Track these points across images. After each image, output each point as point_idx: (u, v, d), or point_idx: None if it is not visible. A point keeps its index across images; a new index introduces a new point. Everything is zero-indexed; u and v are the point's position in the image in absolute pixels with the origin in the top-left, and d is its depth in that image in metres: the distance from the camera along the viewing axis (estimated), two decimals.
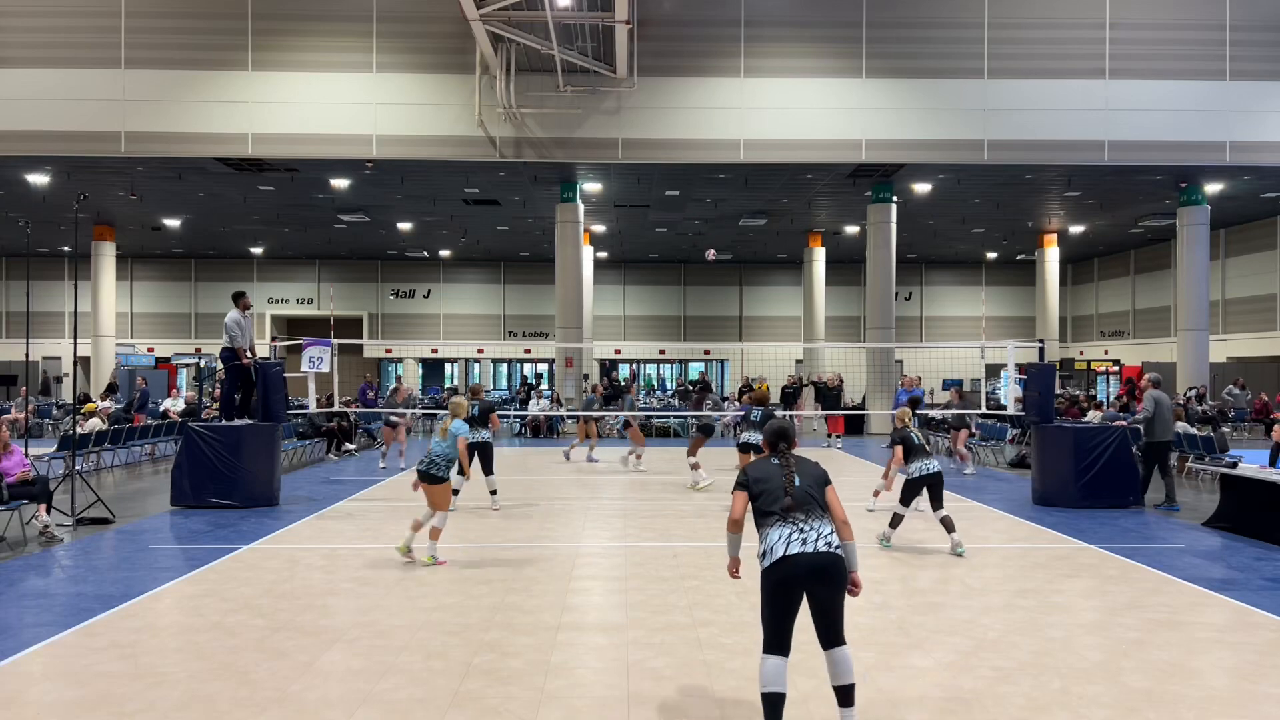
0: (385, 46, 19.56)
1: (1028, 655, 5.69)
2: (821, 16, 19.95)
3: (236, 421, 11.87)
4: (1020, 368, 15.57)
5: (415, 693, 5.03)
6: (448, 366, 41.37)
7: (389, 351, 40.17)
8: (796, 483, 4.37)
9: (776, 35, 19.93)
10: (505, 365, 41.33)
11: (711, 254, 19.21)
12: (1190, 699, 4.98)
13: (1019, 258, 38.23)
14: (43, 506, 9.35)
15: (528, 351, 39.33)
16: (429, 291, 40.03)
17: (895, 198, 23.34)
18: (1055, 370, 13.22)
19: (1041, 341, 13.74)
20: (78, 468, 11.03)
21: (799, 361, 34.49)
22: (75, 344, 11.44)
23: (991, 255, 38.13)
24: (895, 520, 8.95)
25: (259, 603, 6.85)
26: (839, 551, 4.22)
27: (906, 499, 8.87)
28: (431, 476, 8.15)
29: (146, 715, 4.69)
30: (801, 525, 4.23)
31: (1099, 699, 4.97)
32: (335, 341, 15.76)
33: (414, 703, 4.88)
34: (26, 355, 11.77)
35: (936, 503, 8.82)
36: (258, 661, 5.51)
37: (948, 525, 8.69)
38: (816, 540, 4.18)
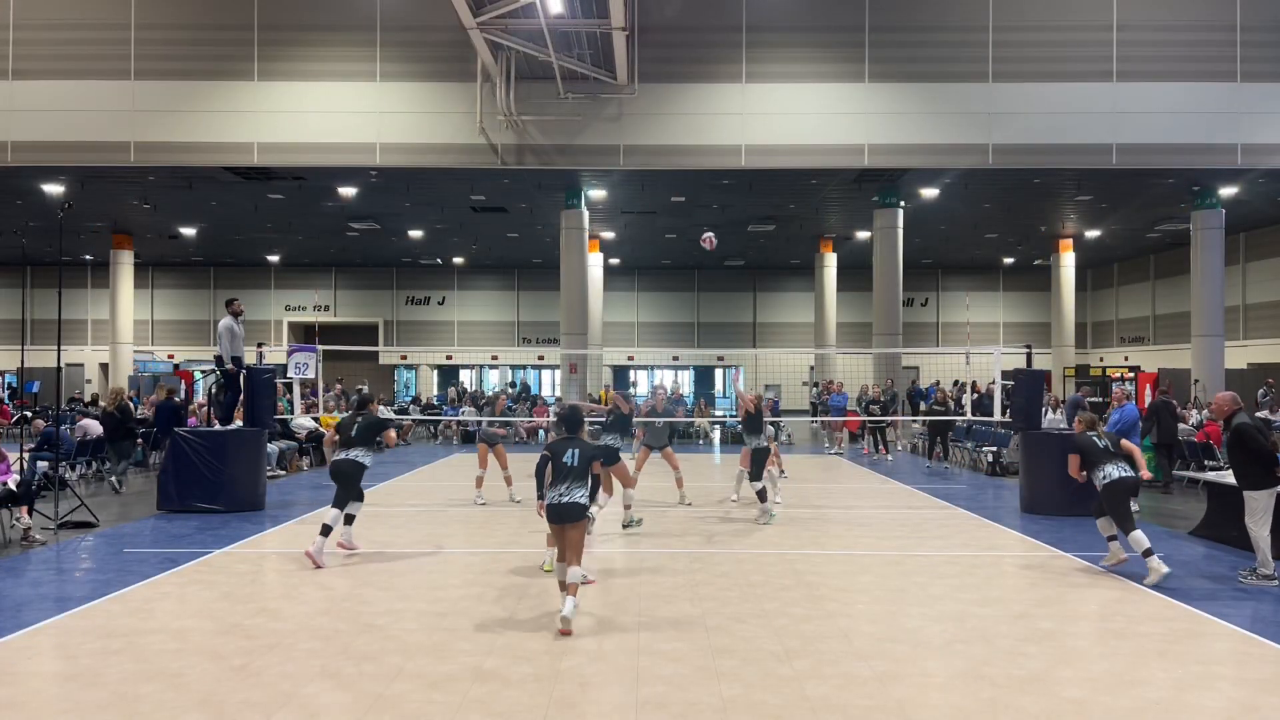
0: (388, 55, 19.73)
1: (1013, 670, 5.60)
2: (824, 21, 19.84)
3: (220, 427, 12.03)
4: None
5: (419, 697, 5.03)
6: (462, 373, 41.55)
7: (404, 358, 40.44)
8: None
9: (778, 40, 19.84)
10: (520, 371, 41.44)
11: None
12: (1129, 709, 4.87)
13: (1035, 263, 37.77)
14: (24, 509, 9.50)
15: (541, 358, 39.41)
16: (443, 298, 40.28)
17: (902, 202, 23.13)
18: (1043, 377, 13.05)
19: (1029, 346, 13.56)
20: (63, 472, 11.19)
21: (811, 368, 34.28)
22: (66, 350, 11.62)
23: (1008, 261, 37.70)
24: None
25: (216, 607, 6.88)
26: None
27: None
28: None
29: (70, 717, 4.73)
30: None
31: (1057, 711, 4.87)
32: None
33: (418, 706, 4.89)
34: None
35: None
36: (245, 663, 5.53)
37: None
38: None
